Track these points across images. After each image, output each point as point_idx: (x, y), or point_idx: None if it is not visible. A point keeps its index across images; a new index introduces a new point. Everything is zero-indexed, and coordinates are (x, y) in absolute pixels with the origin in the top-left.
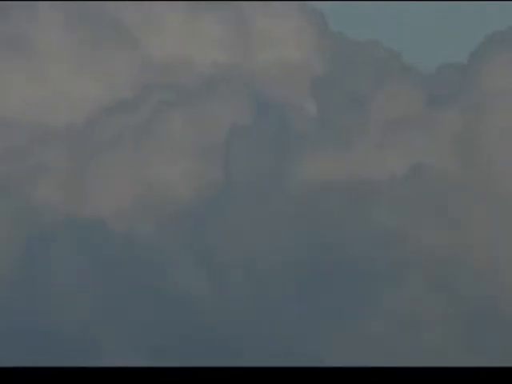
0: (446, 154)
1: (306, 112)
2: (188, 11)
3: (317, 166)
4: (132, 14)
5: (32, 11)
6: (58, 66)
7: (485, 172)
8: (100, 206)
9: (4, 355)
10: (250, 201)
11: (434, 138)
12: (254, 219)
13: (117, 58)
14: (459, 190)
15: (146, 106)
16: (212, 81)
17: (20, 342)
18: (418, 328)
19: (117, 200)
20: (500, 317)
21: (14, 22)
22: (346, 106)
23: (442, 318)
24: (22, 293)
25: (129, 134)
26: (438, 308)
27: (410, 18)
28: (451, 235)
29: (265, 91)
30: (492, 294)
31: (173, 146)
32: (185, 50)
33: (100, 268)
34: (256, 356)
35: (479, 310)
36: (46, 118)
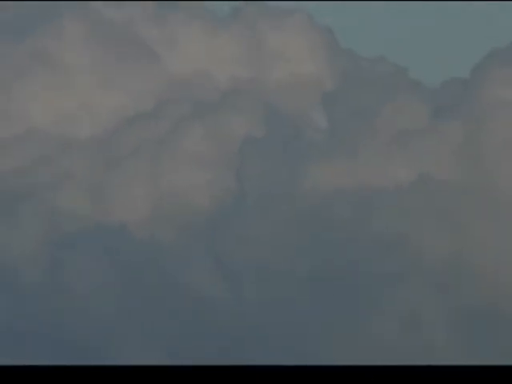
0: (449, 164)
1: (317, 124)
2: (206, 29)
3: (326, 175)
4: (153, 30)
5: (57, 28)
6: (82, 80)
7: (486, 180)
8: (122, 212)
9: (30, 353)
10: (263, 208)
11: (439, 149)
12: (266, 225)
13: (138, 73)
14: (461, 197)
15: (164, 118)
16: (228, 94)
17: (45, 341)
18: (419, 328)
19: (137, 207)
20: (500, 317)
21: (40, 38)
22: (354, 118)
23: (442, 319)
24: (48, 294)
25: (149, 144)
26: (439, 309)
27: (415, 35)
28: (453, 239)
29: (278, 104)
30: (492, 296)
31: (190, 156)
32: (202, 66)
33: (122, 271)
34: (266, 354)
35: (479, 311)
36: (71, 130)
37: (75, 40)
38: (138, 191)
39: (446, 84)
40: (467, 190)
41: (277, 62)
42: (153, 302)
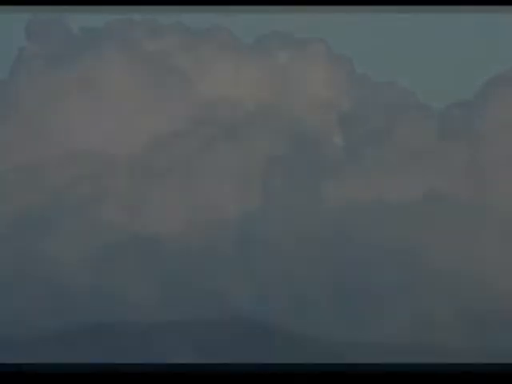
0: (455, 180)
1: (335, 143)
2: (234, 58)
3: (343, 191)
4: (186, 59)
5: (100, 56)
6: (121, 104)
7: (488, 195)
8: (157, 224)
9: (73, 353)
10: (287, 220)
11: (445, 166)
12: (289, 236)
13: (172, 97)
14: (465, 210)
15: (196, 138)
16: (254, 117)
17: (93, 343)
18: (426, 330)
19: (171, 219)
20: (501, 317)
21: (84, 67)
22: (368, 138)
23: (447, 320)
24: (89, 299)
25: (182, 162)
26: (444, 311)
27: (424, 63)
28: (459, 250)
29: (299, 126)
30: (494, 300)
31: (220, 173)
32: (231, 91)
33: (158, 277)
34: (289, 353)
35: (482, 311)
36: (111, 149)
37: (116, 68)
38: (172, 205)
39: (451, 107)
40: (471, 204)
41: (298, 87)
42: (184, 303)
